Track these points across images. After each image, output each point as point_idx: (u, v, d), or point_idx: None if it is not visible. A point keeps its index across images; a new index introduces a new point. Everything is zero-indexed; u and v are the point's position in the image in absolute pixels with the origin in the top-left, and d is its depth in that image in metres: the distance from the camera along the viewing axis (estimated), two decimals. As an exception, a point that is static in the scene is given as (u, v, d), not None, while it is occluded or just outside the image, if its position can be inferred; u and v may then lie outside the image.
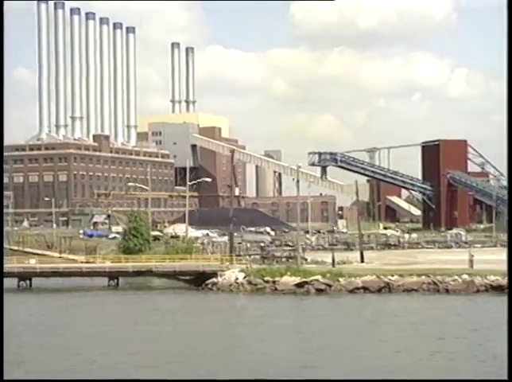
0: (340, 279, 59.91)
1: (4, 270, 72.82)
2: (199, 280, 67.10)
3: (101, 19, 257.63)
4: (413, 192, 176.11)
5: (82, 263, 75.34)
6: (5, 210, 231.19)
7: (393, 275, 59.41)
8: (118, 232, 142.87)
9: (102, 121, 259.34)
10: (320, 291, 59.48)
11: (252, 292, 61.44)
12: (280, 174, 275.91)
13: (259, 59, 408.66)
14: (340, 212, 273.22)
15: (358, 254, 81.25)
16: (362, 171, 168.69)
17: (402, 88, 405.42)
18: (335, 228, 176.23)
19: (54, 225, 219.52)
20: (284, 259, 73.10)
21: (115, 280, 69.71)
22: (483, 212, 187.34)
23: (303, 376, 33.25)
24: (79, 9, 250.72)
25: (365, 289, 59.00)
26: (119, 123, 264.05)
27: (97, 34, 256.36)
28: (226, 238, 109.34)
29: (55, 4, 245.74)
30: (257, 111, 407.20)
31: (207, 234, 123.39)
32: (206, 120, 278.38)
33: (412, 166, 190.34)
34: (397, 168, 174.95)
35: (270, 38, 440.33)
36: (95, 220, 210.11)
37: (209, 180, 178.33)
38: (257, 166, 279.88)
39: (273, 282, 61.16)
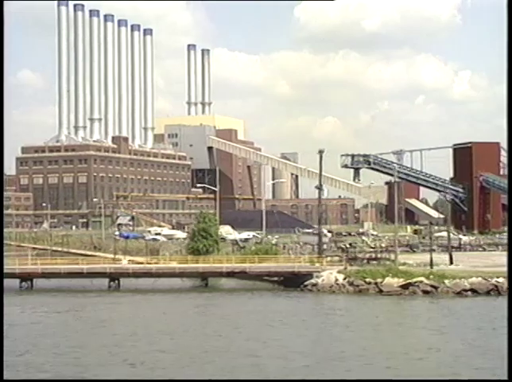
0: (446, 281, 60.51)
1: (95, 270, 73.34)
2: (291, 281, 67.61)
3: (119, 21, 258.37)
4: (441, 194, 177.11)
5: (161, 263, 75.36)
6: (25, 212, 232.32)
7: (498, 277, 60.06)
8: (156, 234, 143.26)
9: (120, 123, 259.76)
10: (426, 293, 60.11)
11: (354, 293, 61.94)
12: (297, 176, 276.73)
13: (263, 61, 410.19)
14: (356, 215, 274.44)
15: (426, 256, 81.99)
16: (394, 173, 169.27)
17: (406, 91, 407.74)
18: (361, 230, 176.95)
19: (74, 227, 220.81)
20: (368, 261, 73.55)
21: (205, 281, 70.33)
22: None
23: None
24: (98, 11, 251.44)
25: (473, 291, 59.41)
26: (136, 125, 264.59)
27: (115, 36, 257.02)
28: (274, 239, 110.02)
29: (74, 6, 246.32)
30: (261, 114, 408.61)
31: (253, 235, 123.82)
32: (222, 122, 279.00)
33: (438, 169, 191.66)
34: (425, 170, 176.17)
35: (274, 41, 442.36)
36: (119, 221, 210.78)
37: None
38: (273, 168, 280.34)
39: (375, 283, 61.75)
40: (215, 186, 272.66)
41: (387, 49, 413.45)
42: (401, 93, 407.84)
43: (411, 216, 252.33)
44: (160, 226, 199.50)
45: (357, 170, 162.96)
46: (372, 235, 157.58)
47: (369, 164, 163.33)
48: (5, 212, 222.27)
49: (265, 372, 34.82)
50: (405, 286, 60.72)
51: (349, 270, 66.14)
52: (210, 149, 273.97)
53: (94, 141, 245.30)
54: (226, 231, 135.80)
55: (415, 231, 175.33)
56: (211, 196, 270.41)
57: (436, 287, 60.26)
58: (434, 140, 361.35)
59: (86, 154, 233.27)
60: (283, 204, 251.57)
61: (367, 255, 77.90)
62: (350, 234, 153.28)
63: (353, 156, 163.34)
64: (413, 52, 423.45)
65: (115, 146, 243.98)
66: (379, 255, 76.44)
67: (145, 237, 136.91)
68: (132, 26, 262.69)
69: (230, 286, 71.05)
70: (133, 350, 40.36)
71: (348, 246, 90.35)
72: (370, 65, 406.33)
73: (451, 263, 72.19)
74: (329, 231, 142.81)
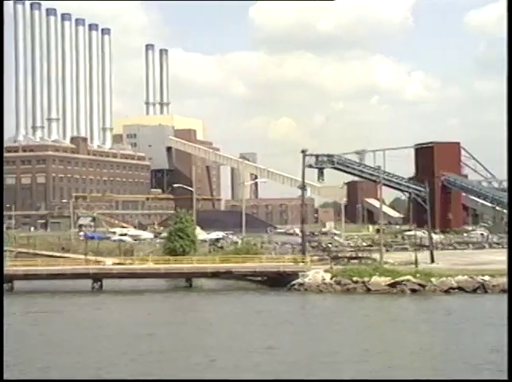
0: (432, 279, 61.43)
1: (78, 272, 72.86)
2: (276, 281, 67.93)
3: (77, 20, 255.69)
4: (403, 193, 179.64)
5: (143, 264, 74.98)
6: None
7: (484, 275, 61.18)
8: (122, 234, 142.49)
9: (78, 123, 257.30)
10: (413, 291, 60.92)
11: (342, 292, 62.46)
12: (256, 176, 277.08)
13: (219, 62, 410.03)
14: (316, 215, 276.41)
15: (401, 254, 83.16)
16: (358, 173, 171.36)
17: (361, 91, 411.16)
18: (324, 229, 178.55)
19: (32, 228, 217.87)
20: (348, 260, 74.23)
21: (189, 281, 70.26)
22: (469, 215, 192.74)
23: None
24: (55, 9, 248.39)
25: (460, 289, 60.43)
26: (95, 125, 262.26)
27: (73, 35, 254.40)
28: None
29: (31, 4, 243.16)
30: (217, 114, 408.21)
31: (224, 235, 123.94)
32: (180, 122, 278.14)
33: (398, 168, 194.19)
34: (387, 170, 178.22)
35: (230, 41, 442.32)
36: (80, 222, 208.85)
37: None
38: (232, 169, 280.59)
39: (363, 282, 62.37)
40: (173, 187, 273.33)
41: (342, 50, 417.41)
42: (355, 94, 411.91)
43: (370, 215, 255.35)
44: (123, 227, 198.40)
45: (321, 170, 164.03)
46: (335, 234, 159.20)
47: (333, 164, 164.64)
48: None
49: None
50: (392, 285, 61.50)
51: (335, 269, 66.72)
52: (169, 149, 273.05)
53: (52, 141, 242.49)
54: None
55: (377, 231, 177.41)
56: (170, 196, 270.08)
57: (423, 286, 61.14)
58: (388, 140, 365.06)
59: (44, 155, 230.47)
60: (241, 204, 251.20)
61: (348, 254, 78.61)
62: (313, 234, 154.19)
63: (317, 156, 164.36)
64: (367, 53, 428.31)
65: (74, 146, 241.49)
66: (360, 254, 77.23)
67: (110, 238, 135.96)
68: (90, 26, 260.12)
69: (215, 287, 71.14)
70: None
71: (329, 245, 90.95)
72: (325, 66, 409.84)
73: (433, 261, 73.30)
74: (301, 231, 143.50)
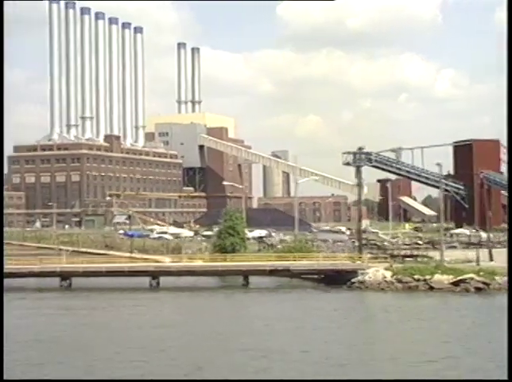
0: (496, 278, 61.13)
1: (137, 269, 73.24)
2: (333, 279, 67.88)
3: (110, 19, 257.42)
4: (442, 191, 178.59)
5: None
6: (17, 211, 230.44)
7: (550, 274, 60.69)
8: (162, 232, 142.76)
9: (112, 121, 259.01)
10: (478, 290, 60.59)
11: (404, 290, 62.30)
12: (288, 175, 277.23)
13: (246, 60, 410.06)
14: (348, 213, 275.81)
15: (453, 252, 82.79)
16: (396, 171, 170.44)
17: (389, 89, 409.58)
18: (364, 227, 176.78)
19: (66, 226, 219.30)
20: (403, 258, 74.00)
21: (246, 279, 70.42)
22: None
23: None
24: (89, 8, 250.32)
25: (526, 287, 60.00)
26: (128, 124, 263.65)
27: (106, 34, 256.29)
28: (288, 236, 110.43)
29: (66, 4, 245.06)
30: (244, 112, 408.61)
31: (267, 233, 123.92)
32: (212, 120, 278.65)
33: (433, 166, 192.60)
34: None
35: (257, 40, 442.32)
36: (115, 220, 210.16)
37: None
38: (264, 166, 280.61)
39: (424, 280, 62.20)
40: (206, 184, 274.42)
41: (371, 48, 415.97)
42: (383, 91, 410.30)
43: (403, 213, 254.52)
44: (158, 224, 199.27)
45: (358, 168, 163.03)
46: (373, 232, 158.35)
47: (370, 162, 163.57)
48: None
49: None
50: (455, 283, 61.19)
51: (394, 267, 66.56)
52: (201, 147, 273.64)
53: (86, 139, 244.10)
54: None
55: (415, 229, 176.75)
56: (202, 194, 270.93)
57: (487, 284, 60.83)
58: (417, 138, 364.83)
59: (78, 153, 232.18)
60: (276, 202, 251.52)
61: (402, 252, 78.43)
62: (364, 231, 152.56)
63: (355, 154, 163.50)
64: (396, 51, 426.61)
65: (107, 144, 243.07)
66: (415, 252, 77.05)
67: (149, 236, 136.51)
68: (123, 24, 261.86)
69: (271, 285, 71.14)
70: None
71: (385, 243, 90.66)
72: (354, 63, 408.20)
73: (491, 259, 72.99)
74: (348, 229, 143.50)
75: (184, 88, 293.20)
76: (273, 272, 69.54)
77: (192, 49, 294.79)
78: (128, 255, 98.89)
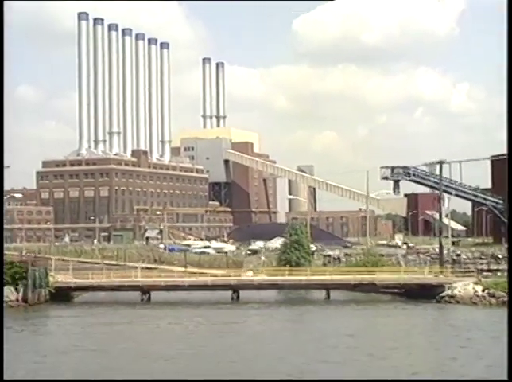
0: None
1: (219, 283, 73.48)
2: (415, 293, 67.95)
3: (137, 35, 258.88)
4: (480, 206, 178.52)
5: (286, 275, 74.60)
6: (45, 225, 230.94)
7: None
8: (205, 247, 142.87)
9: (138, 136, 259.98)
10: None
11: (498, 305, 62.12)
12: (314, 189, 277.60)
13: (262, 75, 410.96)
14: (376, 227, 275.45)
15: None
16: (433, 185, 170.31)
17: (404, 103, 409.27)
18: (397, 241, 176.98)
19: (95, 241, 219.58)
20: (479, 272, 73.94)
21: (328, 293, 70.66)
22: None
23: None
24: (117, 25, 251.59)
25: None
26: (154, 138, 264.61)
27: (133, 49, 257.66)
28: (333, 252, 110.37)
29: (94, 20, 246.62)
30: (259, 128, 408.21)
31: (319, 247, 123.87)
32: (237, 135, 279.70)
33: (470, 179, 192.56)
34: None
35: (273, 55, 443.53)
36: (147, 234, 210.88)
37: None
38: (290, 181, 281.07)
39: (519, 295, 62.01)
40: (231, 199, 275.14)
41: (386, 62, 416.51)
42: (399, 106, 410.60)
43: (430, 227, 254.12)
44: (189, 239, 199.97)
45: (397, 182, 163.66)
46: (408, 246, 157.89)
47: (409, 176, 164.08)
48: (26, 226, 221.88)
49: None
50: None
51: (484, 281, 66.55)
52: (226, 162, 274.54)
53: (114, 154, 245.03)
54: (280, 242, 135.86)
55: (453, 243, 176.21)
56: (228, 209, 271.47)
57: None
58: (435, 152, 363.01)
59: (107, 168, 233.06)
60: (303, 216, 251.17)
61: (479, 267, 78.28)
62: (389, 246, 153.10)
63: (393, 168, 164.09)
64: (411, 65, 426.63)
65: (135, 159, 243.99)
66: (493, 267, 76.98)
67: (188, 250, 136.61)
68: (149, 40, 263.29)
69: (352, 299, 71.16)
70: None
71: (460, 257, 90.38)
72: (369, 79, 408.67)
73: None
74: (404, 243, 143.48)
75: (209, 103, 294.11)
76: (357, 286, 69.67)
77: (217, 64, 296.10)
78: (183, 269, 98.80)
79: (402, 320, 58.65)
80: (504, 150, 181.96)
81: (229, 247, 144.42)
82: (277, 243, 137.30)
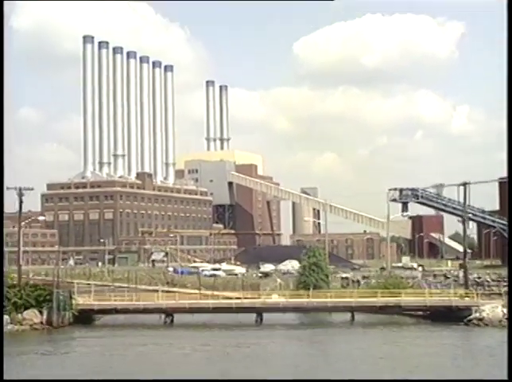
0: None
1: (244, 305, 73.19)
2: (439, 315, 67.84)
3: (141, 58, 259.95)
4: (485, 227, 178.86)
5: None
6: (50, 248, 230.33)
7: None
8: (215, 269, 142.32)
9: (143, 158, 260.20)
10: None
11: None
12: (318, 211, 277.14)
13: (262, 97, 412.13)
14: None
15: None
16: (441, 207, 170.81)
17: (405, 126, 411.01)
18: (412, 264, 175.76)
19: (99, 263, 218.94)
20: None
21: (352, 315, 70.53)
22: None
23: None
24: (121, 48, 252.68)
25: None
26: (158, 161, 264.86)
27: (137, 72, 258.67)
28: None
29: (99, 43, 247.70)
30: (260, 150, 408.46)
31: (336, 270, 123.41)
32: (241, 157, 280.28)
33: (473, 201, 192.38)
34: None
35: (274, 77, 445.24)
36: (153, 257, 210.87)
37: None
38: (293, 203, 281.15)
39: (548, 317, 61.98)
40: (235, 221, 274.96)
41: (386, 85, 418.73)
42: (399, 128, 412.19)
43: (435, 250, 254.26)
44: (195, 261, 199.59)
45: (405, 204, 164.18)
46: (419, 269, 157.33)
47: (417, 198, 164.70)
48: (31, 248, 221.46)
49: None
50: None
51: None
52: (230, 184, 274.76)
53: (119, 177, 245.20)
54: (292, 266, 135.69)
55: (460, 265, 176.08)
56: (232, 231, 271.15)
57: None
58: (435, 175, 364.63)
59: (112, 190, 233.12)
60: (308, 238, 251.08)
61: (503, 290, 78.20)
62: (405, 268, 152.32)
63: (401, 190, 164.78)
64: (412, 88, 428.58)
65: (140, 181, 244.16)
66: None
67: (197, 273, 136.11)
68: (153, 63, 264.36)
69: (377, 322, 70.84)
70: None
71: (481, 279, 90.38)
72: (370, 101, 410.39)
73: None
74: (420, 265, 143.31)
75: (213, 126, 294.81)
76: (383, 308, 69.48)
77: (220, 87, 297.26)
78: (196, 291, 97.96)
79: (433, 342, 58.41)
80: (504, 170, 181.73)
81: (239, 269, 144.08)
82: (289, 265, 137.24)
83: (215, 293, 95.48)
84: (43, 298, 70.70)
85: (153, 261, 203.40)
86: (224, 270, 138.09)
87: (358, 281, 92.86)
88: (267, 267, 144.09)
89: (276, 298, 73.59)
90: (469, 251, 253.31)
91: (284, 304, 71.23)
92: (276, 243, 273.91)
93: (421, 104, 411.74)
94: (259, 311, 70.95)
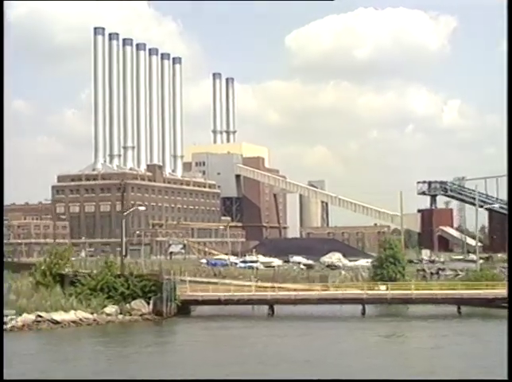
0: None
1: (349, 296, 73.45)
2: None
3: (150, 50, 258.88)
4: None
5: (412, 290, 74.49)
6: (61, 240, 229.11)
7: None
8: (252, 261, 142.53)
9: (152, 151, 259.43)
10: None
11: None
12: (327, 204, 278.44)
13: (254, 90, 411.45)
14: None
15: None
16: (469, 200, 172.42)
17: (396, 120, 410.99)
18: (424, 257, 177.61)
19: (111, 255, 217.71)
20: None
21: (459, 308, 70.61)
22: None
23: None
24: (131, 39, 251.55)
25: None
26: (166, 153, 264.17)
27: (147, 64, 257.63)
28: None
29: (109, 35, 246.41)
30: (252, 143, 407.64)
31: (367, 262, 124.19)
32: (247, 150, 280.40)
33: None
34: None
35: (265, 70, 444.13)
36: (171, 249, 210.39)
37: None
38: (301, 196, 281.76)
39: None
40: (242, 214, 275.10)
41: (378, 78, 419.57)
42: (390, 122, 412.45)
43: (445, 243, 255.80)
44: (212, 254, 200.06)
45: (434, 197, 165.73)
46: (439, 262, 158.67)
47: (446, 191, 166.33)
48: (42, 240, 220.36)
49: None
50: None
51: None
52: (237, 177, 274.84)
53: (129, 169, 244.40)
54: (337, 258, 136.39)
55: (487, 259, 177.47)
56: (239, 224, 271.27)
57: None
58: (423, 168, 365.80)
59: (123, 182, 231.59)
60: (319, 231, 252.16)
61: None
62: (420, 261, 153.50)
63: (430, 183, 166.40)
64: (403, 82, 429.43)
65: (150, 173, 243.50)
66: None
67: (228, 264, 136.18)
68: (162, 55, 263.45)
69: (488, 313, 70.53)
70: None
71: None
72: (361, 94, 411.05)
73: None
74: (481, 258, 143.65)
75: (220, 118, 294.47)
76: (492, 301, 69.40)
77: (227, 79, 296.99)
78: (253, 283, 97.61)
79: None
80: (496, 164, 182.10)
81: (277, 261, 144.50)
82: (333, 258, 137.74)
83: (276, 285, 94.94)
84: (148, 289, 70.80)
85: (171, 253, 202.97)
86: (262, 263, 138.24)
87: (437, 273, 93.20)
88: (296, 259, 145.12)
89: (383, 290, 73.80)
90: (481, 244, 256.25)
91: (392, 295, 71.39)
92: (282, 236, 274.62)
93: (412, 98, 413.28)
94: (364, 302, 71.31)
